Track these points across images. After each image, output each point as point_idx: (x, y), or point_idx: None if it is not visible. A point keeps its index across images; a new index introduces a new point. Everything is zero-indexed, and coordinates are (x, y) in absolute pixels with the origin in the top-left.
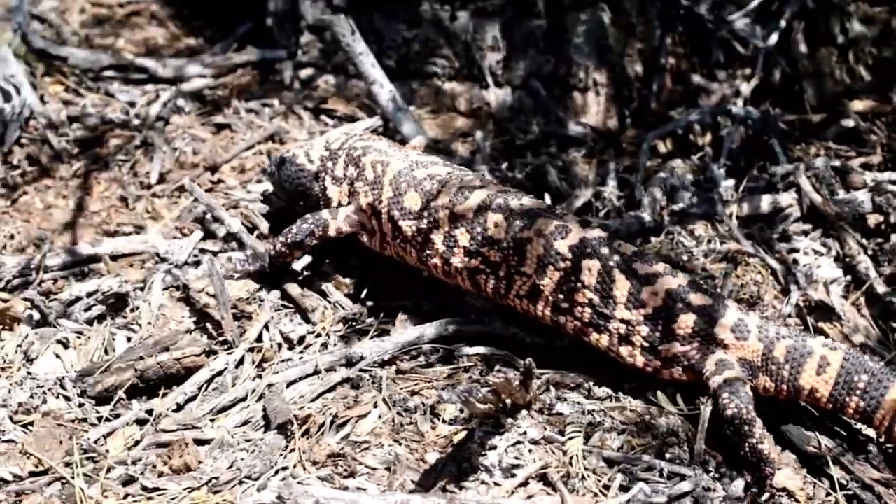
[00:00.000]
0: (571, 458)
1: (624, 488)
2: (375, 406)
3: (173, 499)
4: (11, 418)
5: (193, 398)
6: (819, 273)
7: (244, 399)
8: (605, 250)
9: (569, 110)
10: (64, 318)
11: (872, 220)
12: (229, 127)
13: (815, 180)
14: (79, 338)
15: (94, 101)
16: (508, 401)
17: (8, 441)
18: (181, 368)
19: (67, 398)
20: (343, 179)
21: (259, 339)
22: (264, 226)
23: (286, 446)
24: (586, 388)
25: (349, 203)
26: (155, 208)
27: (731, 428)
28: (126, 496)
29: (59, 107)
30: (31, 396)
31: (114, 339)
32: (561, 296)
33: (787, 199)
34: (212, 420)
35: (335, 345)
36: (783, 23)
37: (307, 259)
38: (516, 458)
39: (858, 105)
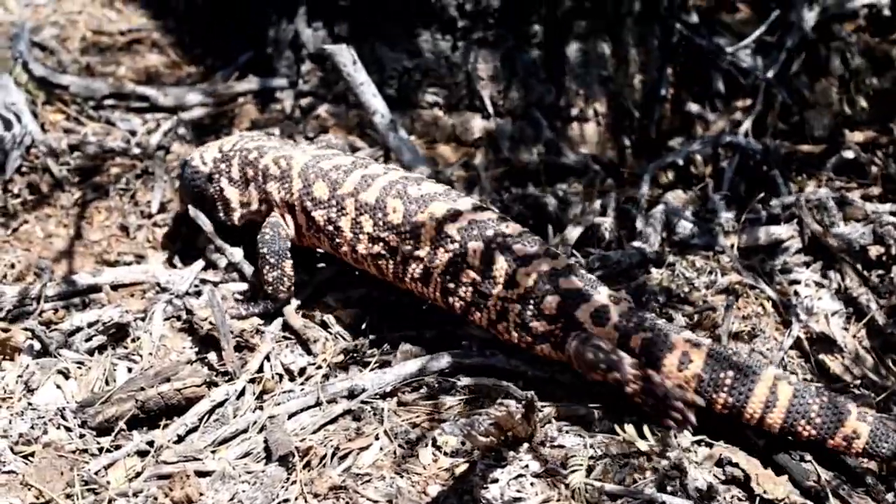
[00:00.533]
0: (573, 491)
1: None
2: (377, 438)
3: None
4: (12, 449)
5: (194, 429)
6: (820, 305)
7: (245, 431)
8: (490, 232)
9: (569, 140)
10: (65, 349)
11: (873, 251)
12: None
13: (815, 212)
14: (79, 368)
15: (95, 130)
16: (510, 434)
17: (9, 472)
18: (182, 399)
19: (68, 429)
20: (239, 182)
21: (260, 370)
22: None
23: (287, 478)
24: (588, 421)
25: (262, 205)
26: (155, 238)
27: (599, 370)
28: None
29: (60, 135)
30: (32, 427)
31: (115, 370)
32: (448, 277)
33: (787, 230)
34: (213, 452)
35: (336, 376)
36: (783, 54)
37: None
38: (518, 491)
39: (858, 136)
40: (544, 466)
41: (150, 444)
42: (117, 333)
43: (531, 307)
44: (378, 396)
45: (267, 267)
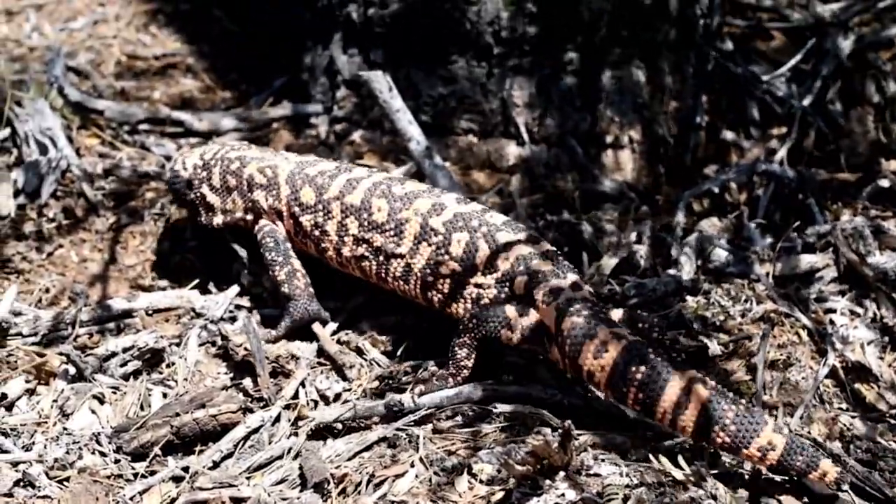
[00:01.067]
0: None
1: None
2: (412, 465)
3: None
4: (47, 474)
5: (230, 455)
6: (855, 334)
7: (280, 457)
8: (475, 222)
9: (604, 167)
10: (100, 373)
11: None
12: None
13: (851, 240)
14: (114, 393)
15: (130, 155)
16: (546, 462)
17: (44, 497)
18: (217, 425)
19: (103, 454)
20: (221, 189)
21: (295, 396)
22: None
23: None
24: (624, 450)
25: (248, 213)
26: (190, 263)
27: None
28: None
29: (95, 160)
30: (67, 452)
31: (150, 395)
32: (429, 271)
33: (823, 259)
34: (248, 478)
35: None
36: (819, 82)
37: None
38: None
39: (894, 164)
40: (580, 495)
41: (186, 469)
42: (152, 359)
43: (505, 289)
44: (413, 423)
45: (276, 268)
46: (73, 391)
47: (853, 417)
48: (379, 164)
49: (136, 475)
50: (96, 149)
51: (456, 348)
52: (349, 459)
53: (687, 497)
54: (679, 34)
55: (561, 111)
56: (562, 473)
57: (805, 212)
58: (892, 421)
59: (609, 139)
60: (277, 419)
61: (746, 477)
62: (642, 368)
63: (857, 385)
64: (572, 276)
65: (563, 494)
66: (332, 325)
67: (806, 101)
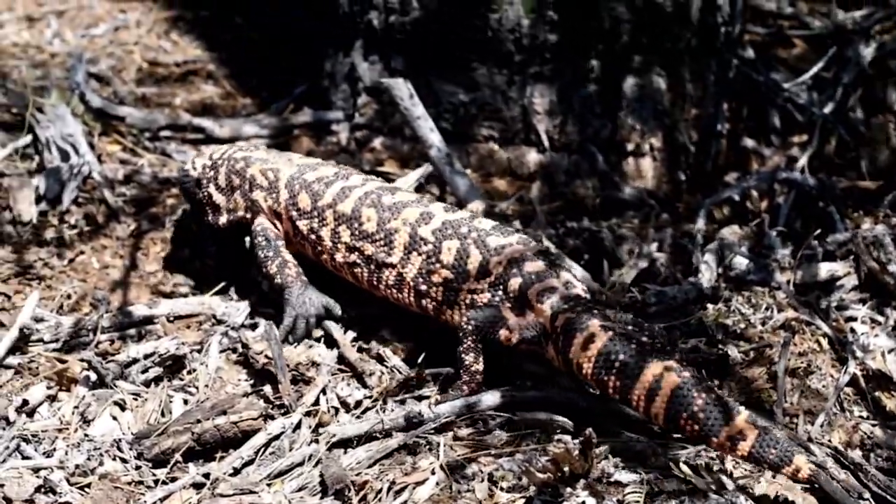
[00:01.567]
0: None
1: None
2: (433, 473)
3: None
4: (68, 480)
5: (250, 462)
6: (876, 342)
7: (301, 464)
8: (464, 229)
9: (624, 175)
10: (121, 380)
11: None
12: None
13: (872, 248)
14: (136, 400)
15: (151, 161)
16: (567, 469)
17: (65, 503)
18: (238, 432)
19: (124, 460)
20: (226, 188)
21: (316, 402)
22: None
23: None
24: (644, 457)
25: (248, 212)
26: (211, 269)
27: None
28: None
29: (116, 166)
30: (88, 458)
31: (171, 402)
32: (421, 279)
33: (843, 267)
34: (269, 484)
35: (392, 410)
36: (840, 90)
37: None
38: None
39: None
40: (601, 502)
41: (206, 476)
42: (173, 365)
43: (500, 292)
44: (433, 431)
45: (268, 263)
46: (94, 397)
47: (874, 426)
48: (400, 171)
49: (156, 482)
50: (117, 155)
51: (462, 356)
52: (370, 466)
53: (707, 503)
54: (700, 42)
55: (581, 118)
56: (582, 481)
57: (826, 220)
58: None
59: (630, 146)
60: (298, 426)
61: (766, 485)
62: (622, 357)
63: (877, 393)
64: (565, 275)
65: (583, 502)
66: (353, 333)
67: (827, 109)
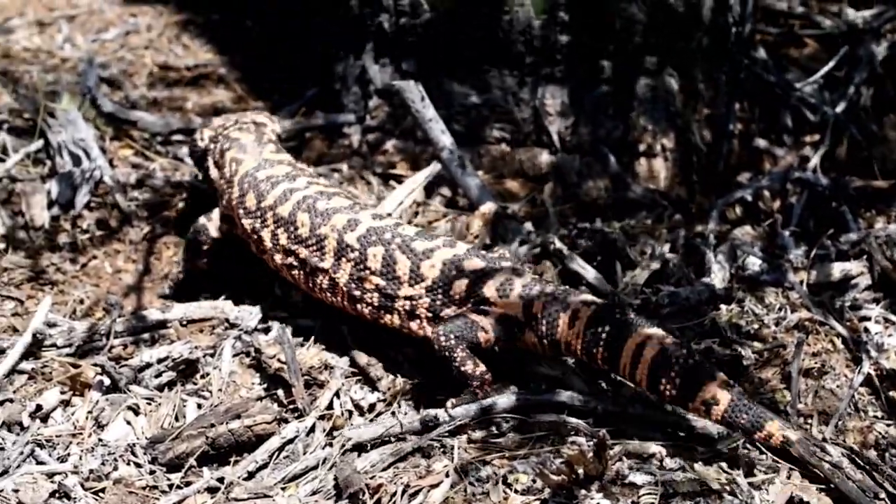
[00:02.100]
0: None
1: None
2: (447, 476)
3: None
4: (82, 485)
5: (265, 466)
6: (890, 342)
7: (315, 467)
8: (387, 235)
9: (636, 176)
10: (134, 384)
11: None
12: None
13: (885, 248)
14: (149, 404)
15: (163, 165)
16: (581, 471)
17: None
18: (252, 436)
19: (138, 465)
20: (217, 167)
21: (330, 406)
22: None
23: None
24: (659, 458)
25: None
26: (224, 273)
27: (440, 357)
28: None
29: (129, 170)
30: (103, 463)
31: (184, 406)
32: (353, 285)
33: (857, 266)
34: (283, 488)
35: (405, 413)
36: (852, 89)
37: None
38: None
39: None
40: None
41: (221, 480)
42: (187, 369)
43: (440, 296)
44: (447, 434)
45: (184, 255)
46: (107, 402)
47: (888, 426)
48: (411, 172)
49: (171, 486)
50: (129, 159)
51: (461, 369)
52: (384, 470)
53: None
54: (712, 42)
55: (593, 119)
56: (597, 483)
57: (839, 219)
58: None
59: (642, 147)
60: (312, 430)
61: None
62: (607, 328)
63: (892, 393)
64: (507, 264)
65: None
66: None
67: (839, 109)
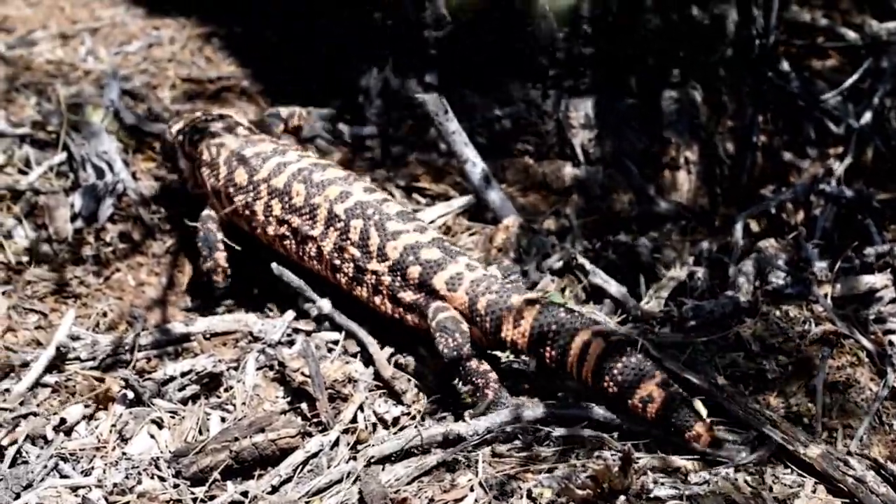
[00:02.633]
0: None
1: None
2: (472, 490)
3: None
4: (106, 499)
5: (289, 480)
6: None
7: (339, 481)
8: (370, 210)
9: (660, 188)
10: (158, 398)
11: None
12: None
13: None
14: (173, 418)
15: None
16: (606, 486)
17: None
18: (276, 450)
19: (162, 479)
20: (188, 159)
21: (354, 420)
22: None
23: None
24: (684, 472)
25: (202, 188)
26: (247, 286)
27: (447, 364)
28: None
29: (151, 183)
30: (127, 477)
31: (208, 419)
32: (335, 254)
33: (881, 279)
34: (307, 502)
35: (429, 426)
36: (876, 100)
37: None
38: None
39: None
40: None
41: (245, 494)
42: (210, 383)
43: (399, 278)
44: (471, 447)
45: (202, 259)
46: (131, 416)
47: None
48: (435, 185)
49: (195, 500)
50: (152, 172)
51: (467, 376)
52: (408, 484)
53: None
54: (736, 54)
55: (617, 132)
56: (622, 497)
57: (863, 231)
58: None
59: (665, 159)
60: (336, 443)
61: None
62: (553, 327)
63: None
64: (463, 259)
65: None
66: (391, 348)
67: (863, 120)
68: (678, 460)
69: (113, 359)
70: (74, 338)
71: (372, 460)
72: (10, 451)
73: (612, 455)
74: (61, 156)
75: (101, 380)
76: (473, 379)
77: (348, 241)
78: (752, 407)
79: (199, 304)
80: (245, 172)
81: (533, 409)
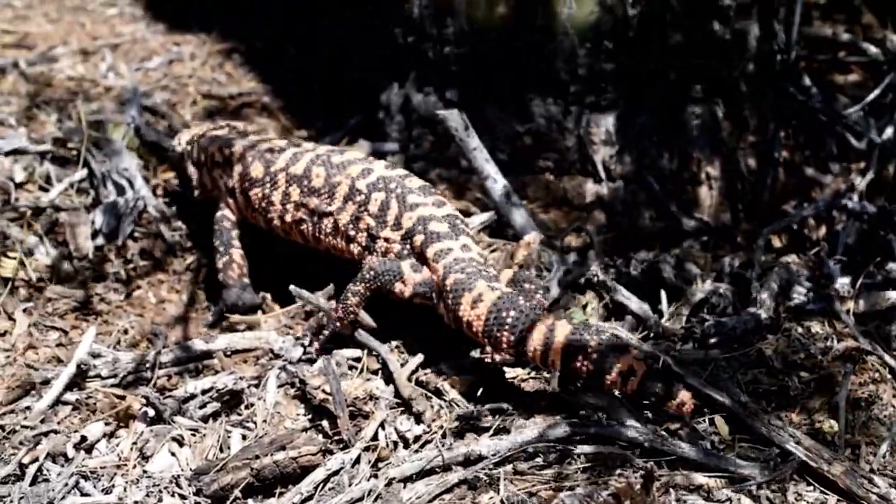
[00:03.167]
0: None
1: None
2: None
3: None
4: None
5: (310, 498)
6: None
7: (361, 499)
8: (393, 184)
9: (682, 204)
10: (179, 415)
11: None
12: None
13: None
14: (194, 435)
15: None
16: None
17: None
18: (297, 467)
19: (183, 497)
20: (198, 165)
21: (375, 437)
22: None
23: None
24: (706, 490)
25: (214, 190)
26: (268, 304)
27: (359, 275)
28: None
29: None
30: (147, 495)
31: (229, 437)
32: (350, 225)
33: None
34: None
35: (451, 445)
36: None
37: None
38: None
39: None
40: None
41: None
42: (231, 400)
43: (407, 245)
44: (493, 465)
45: (217, 256)
46: (152, 433)
47: None
48: (456, 201)
49: None
50: (172, 187)
51: (349, 294)
52: (430, 502)
53: None
54: (757, 69)
55: (638, 148)
56: None
57: (885, 247)
58: None
59: (687, 175)
60: (357, 461)
61: None
62: (512, 313)
63: None
64: (464, 239)
65: None
66: (411, 366)
67: (885, 135)
68: (700, 477)
69: (134, 376)
70: (95, 355)
71: (394, 479)
72: (31, 469)
73: (634, 473)
74: (82, 173)
75: (122, 397)
76: (341, 306)
77: (366, 212)
78: (774, 424)
79: (217, 311)
80: (261, 165)
81: (556, 427)
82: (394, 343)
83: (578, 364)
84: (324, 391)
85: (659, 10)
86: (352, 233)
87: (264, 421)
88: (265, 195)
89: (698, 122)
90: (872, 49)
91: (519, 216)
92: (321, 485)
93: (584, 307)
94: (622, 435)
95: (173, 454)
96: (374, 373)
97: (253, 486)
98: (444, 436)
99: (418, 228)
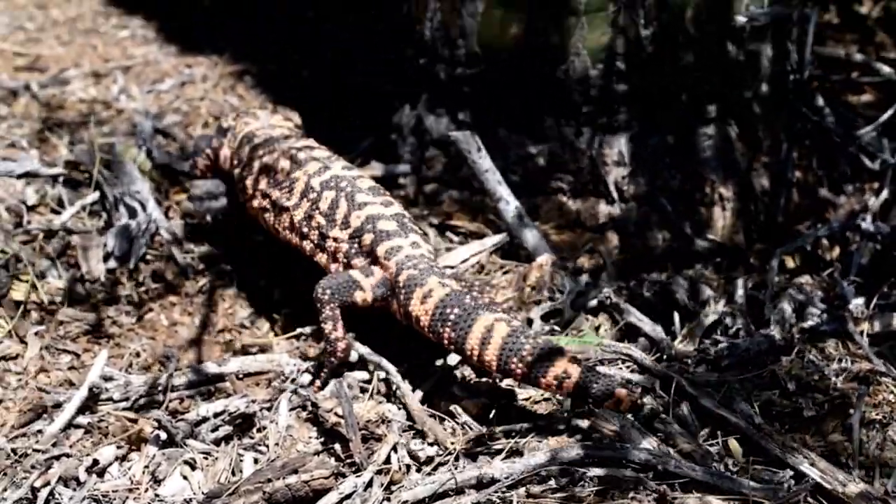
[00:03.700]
0: None
1: None
2: None
3: None
4: None
5: None
6: None
7: None
8: (343, 183)
9: (695, 225)
10: (191, 439)
11: None
12: None
13: None
14: (206, 458)
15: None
16: None
17: None
18: (310, 491)
19: None
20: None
21: (387, 460)
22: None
23: None
24: None
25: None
26: (280, 326)
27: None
28: None
29: (184, 222)
30: None
31: (241, 461)
32: (304, 222)
33: None
34: None
35: (464, 467)
36: None
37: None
38: None
39: None
40: None
41: None
42: (243, 424)
43: (355, 245)
44: (507, 488)
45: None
46: (164, 457)
47: None
48: (469, 223)
49: None
50: (185, 210)
51: (323, 328)
52: None
53: None
54: (770, 90)
55: (651, 169)
56: None
57: None
58: None
59: (700, 196)
60: (370, 484)
61: None
62: (455, 310)
63: None
64: (413, 237)
65: None
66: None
67: None
68: (714, 500)
69: (146, 399)
70: (107, 378)
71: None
72: (43, 493)
73: (648, 496)
74: (94, 195)
75: (134, 420)
76: (325, 342)
77: (317, 210)
78: (789, 445)
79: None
80: (248, 149)
81: (568, 449)
82: (405, 365)
83: (512, 366)
84: (336, 414)
85: (672, 31)
86: (305, 230)
87: (276, 444)
88: (242, 177)
89: (711, 143)
90: (886, 69)
91: (531, 237)
92: None
93: (597, 329)
94: (635, 457)
95: (185, 478)
96: (386, 396)
97: None
98: (456, 458)
99: (367, 227)
